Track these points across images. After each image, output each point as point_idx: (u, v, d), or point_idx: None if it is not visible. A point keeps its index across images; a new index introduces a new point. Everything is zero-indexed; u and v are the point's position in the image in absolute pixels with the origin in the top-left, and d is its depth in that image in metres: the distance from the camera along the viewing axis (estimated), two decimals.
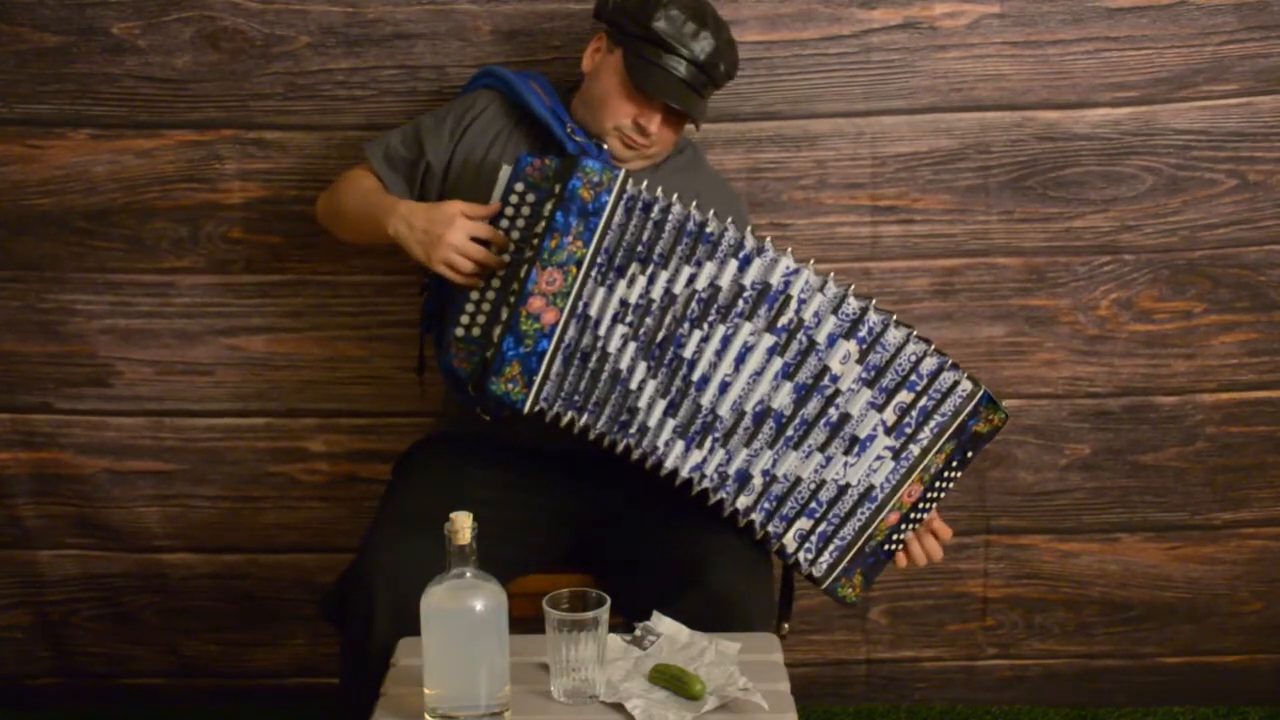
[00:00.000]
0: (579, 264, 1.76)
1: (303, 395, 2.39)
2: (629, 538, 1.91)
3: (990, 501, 2.43)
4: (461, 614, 1.49)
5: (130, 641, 2.51)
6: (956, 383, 1.73)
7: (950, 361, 1.74)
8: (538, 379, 1.78)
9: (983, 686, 2.53)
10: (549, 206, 1.77)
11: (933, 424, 1.73)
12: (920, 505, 1.78)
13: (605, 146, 1.98)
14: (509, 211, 1.83)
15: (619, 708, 1.55)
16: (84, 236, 2.32)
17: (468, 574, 1.50)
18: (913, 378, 1.73)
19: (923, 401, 1.73)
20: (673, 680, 1.58)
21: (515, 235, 1.82)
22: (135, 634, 2.50)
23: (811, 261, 1.75)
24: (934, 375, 1.73)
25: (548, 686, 1.59)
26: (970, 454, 1.78)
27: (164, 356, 2.37)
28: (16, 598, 2.49)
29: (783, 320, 1.73)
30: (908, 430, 1.73)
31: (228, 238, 2.32)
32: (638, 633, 1.70)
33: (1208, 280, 2.33)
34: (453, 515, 1.49)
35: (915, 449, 1.74)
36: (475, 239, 1.82)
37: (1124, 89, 2.26)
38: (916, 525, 1.81)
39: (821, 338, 1.73)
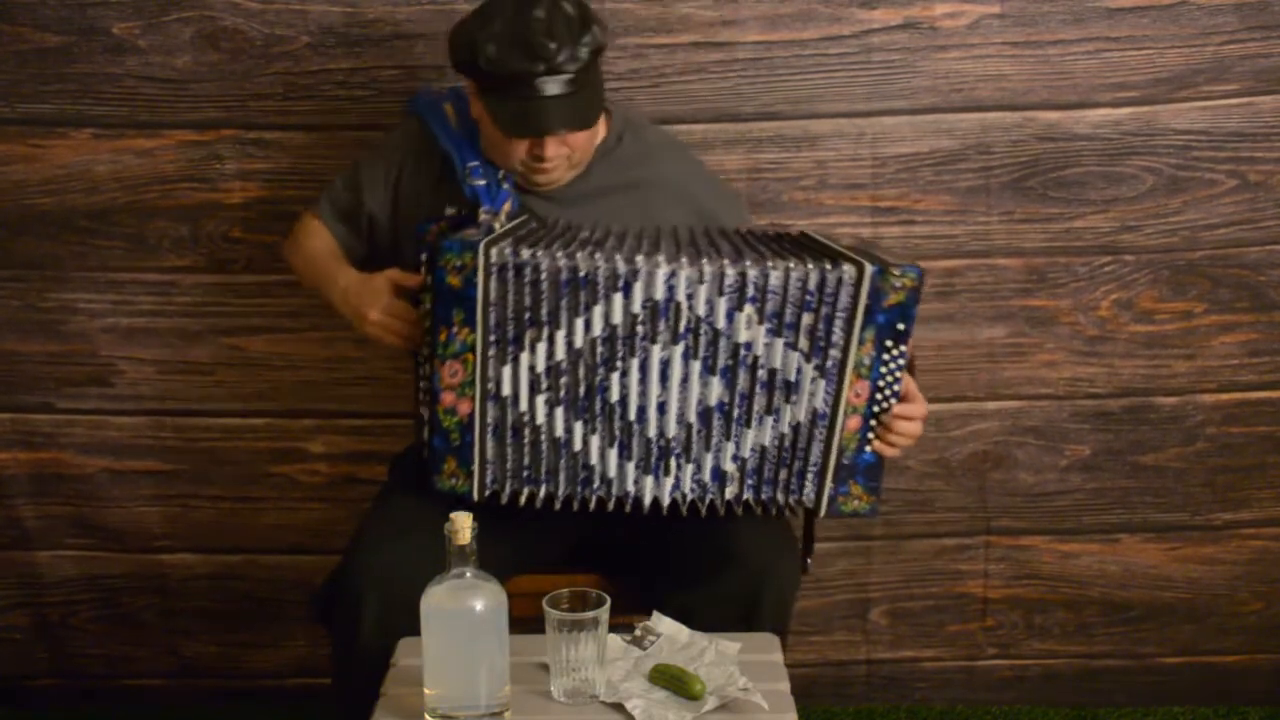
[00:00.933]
0: (473, 350, 1.75)
1: (302, 395, 2.39)
2: (636, 533, 1.90)
3: (990, 502, 2.43)
4: (461, 614, 1.49)
5: (130, 642, 2.51)
6: (840, 278, 1.72)
7: (828, 264, 1.72)
8: (475, 468, 1.78)
9: (983, 686, 2.53)
10: (428, 301, 1.77)
11: (838, 325, 1.74)
12: (877, 398, 1.78)
13: (505, 185, 1.94)
14: (426, 281, 1.81)
15: (619, 708, 1.55)
16: (85, 236, 2.32)
17: (468, 574, 1.50)
18: (806, 298, 1.72)
19: (822, 312, 1.73)
20: (673, 680, 1.58)
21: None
22: (135, 635, 2.50)
23: (684, 259, 1.72)
24: (820, 285, 1.72)
25: (548, 686, 1.59)
26: (903, 326, 1.76)
27: (165, 356, 2.37)
28: (15, 599, 2.49)
29: (682, 325, 1.73)
30: (821, 344, 1.74)
31: (228, 237, 2.32)
32: (638, 633, 1.70)
33: (1208, 280, 2.33)
34: (453, 515, 1.49)
35: (835, 354, 1.75)
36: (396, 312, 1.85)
37: (1124, 89, 2.25)
38: (885, 417, 1.80)
39: (721, 322, 1.73)
